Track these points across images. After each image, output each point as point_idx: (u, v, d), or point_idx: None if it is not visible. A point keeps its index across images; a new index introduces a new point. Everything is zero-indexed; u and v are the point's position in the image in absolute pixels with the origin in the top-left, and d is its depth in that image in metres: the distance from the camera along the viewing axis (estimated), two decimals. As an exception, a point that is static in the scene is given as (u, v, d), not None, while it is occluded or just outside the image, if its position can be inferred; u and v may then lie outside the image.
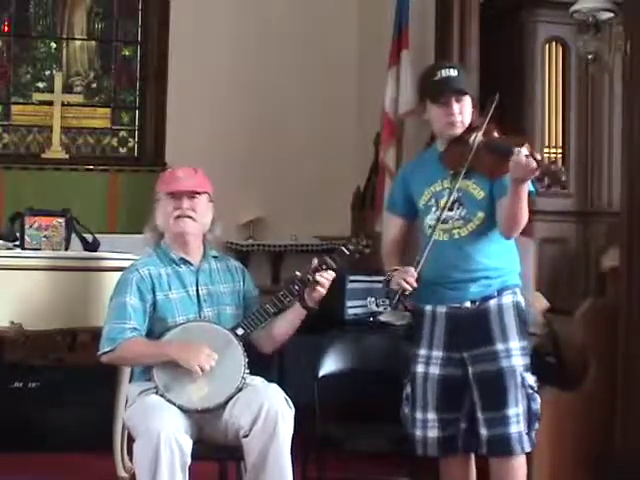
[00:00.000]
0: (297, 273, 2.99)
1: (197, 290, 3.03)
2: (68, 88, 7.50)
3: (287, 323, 3.04)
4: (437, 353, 2.90)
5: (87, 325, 3.47)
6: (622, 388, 3.36)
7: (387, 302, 4.37)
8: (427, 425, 2.90)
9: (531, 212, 2.78)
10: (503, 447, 2.82)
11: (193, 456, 2.74)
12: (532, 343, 3.07)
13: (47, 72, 7.59)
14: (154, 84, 7.48)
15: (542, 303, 4.00)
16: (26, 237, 3.57)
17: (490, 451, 2.85)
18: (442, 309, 2.89)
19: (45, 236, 3.59)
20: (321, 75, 7.18)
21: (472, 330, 2.85)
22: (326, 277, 2.96)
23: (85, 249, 3.68)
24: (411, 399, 2.94)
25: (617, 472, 3.31)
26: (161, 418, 2.72)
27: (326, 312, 3.14)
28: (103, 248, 3.71)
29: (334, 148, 7.17)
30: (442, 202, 2.86)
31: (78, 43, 7.70)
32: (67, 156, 7.25)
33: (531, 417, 2.84)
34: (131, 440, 2.90)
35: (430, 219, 2.89)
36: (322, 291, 2.97)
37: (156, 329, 2.97)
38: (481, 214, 2.85)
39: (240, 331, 2.95)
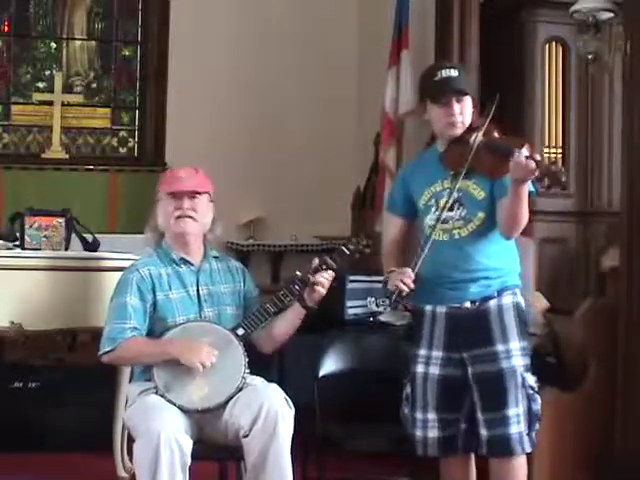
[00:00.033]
0: (297, 273, 2.99)
1: (197, 290, 3.03)
2: (68, 88, 7.49)
3: (287, 323, 3.04)
4: (437, 353, 2.90)
5: (87, 325, 3.47)
6: (622, 388, 3.36)
7: (387, 302, 4.37)
8: (427, 425, 2.90)
9: (531, 212, 2.78)
10: (503, 447, 2.82)
11: (193, 456, 2.74)
12: (532, 343, 3.07)
13: (47, 72, 7.59)
14: (154, 84, 7.48)
15: (542, 303, 3.99)
16: (26, 237, 3.57)
17: (490, 451, 2.85)
18: (442, 309, 2.89)
19: (45, 236, 3.59)
20: (321, 75, 7.17)
21: (472, 330, 2.85)
22: (326, 277, 2.97)
23: (85, 249, 3.68)
24: (411, 399, 2.94)
25: (617, 472, 3.31)
26: (161, 418, 2.72)
27: (326, 312, 3.15)
28: (103, 248, 3.72)
29: (334, 148, 7.17)
30: (442, 202, 2.86)
31: (78, 43, 7.70)
32: (67, 156, 7.24)
33: (531, 418, 2.84)
34: (131, 440, 2.90)
35: (430, 219, 2.89)
36: (322, 291, 2.97)
37: (156, 329, 2.97)
38: (481, 214, 2.85)
39: (240, 331, 2.95)
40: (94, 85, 7.67)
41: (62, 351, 5.04)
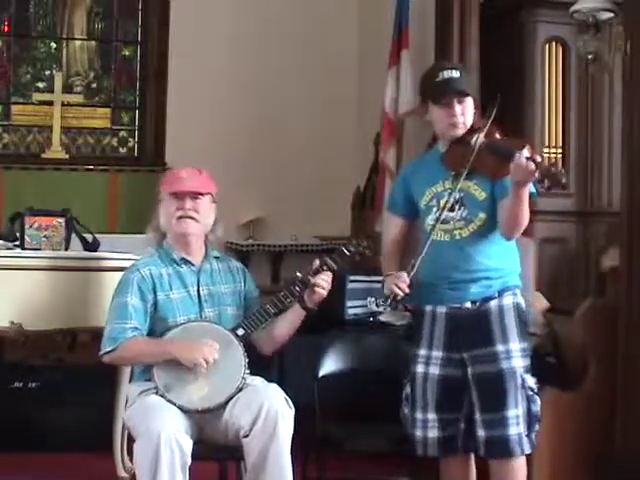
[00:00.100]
0: (298, 274, 2.99)
1: (198, 290, 3.03)
2: (68, 88, 7.50)
3: (287, 324, 3.04)
4: (437, 353, 2.90)
5: (87, 325, 3.47)
6: (622, 388, 3.36)
7: (386, 303, 4.37)
8: (427, 425, 2.90)
9: (531, 212, 2.78)
10: (502, 449, 2.82)
11: (193, 456, 2.74)
12: (532, 343, 3.07)
13: (47, 72, 7.59)
14: (154, 84, 7.48)
15: (542, 303, 3.99)
16: (26, 237, 3.57)
17: (488, 452, 2.85)
18: (442, 309, 2.89)
19: (45, 236, 3.59)
20: (321, 75, 7.18)
21: (472, 331, 2.85)
22: (326, 279, 2.97)
23: (85, 249, 3.68)
24: (411, 399, 2.94)
25: (617, 472, 3.31)
26: (161, 418, 2.72)
27: (326, 312, 3.14)
28: (103, 248, 3.71)
29: (334, 148, 7.17)
30: (442, 202, 2.86)
31: (78, 43, 7.71)
32: (67, 156, 7.25)
33: (531, 419, 2.84)
34: (131, 440, 2.90)
35: (431, 219, 2.89)
36: (323, 293, 2.97)
37: (157, 329, 2.97)
38: (482, 215, 2.85)
39: (241, 331, 2.95)
40: (94, 85, 7.67)
41: (62, 351, 5.04)
